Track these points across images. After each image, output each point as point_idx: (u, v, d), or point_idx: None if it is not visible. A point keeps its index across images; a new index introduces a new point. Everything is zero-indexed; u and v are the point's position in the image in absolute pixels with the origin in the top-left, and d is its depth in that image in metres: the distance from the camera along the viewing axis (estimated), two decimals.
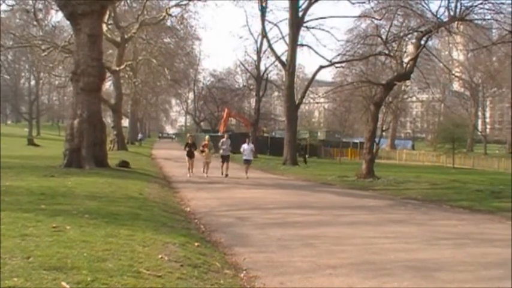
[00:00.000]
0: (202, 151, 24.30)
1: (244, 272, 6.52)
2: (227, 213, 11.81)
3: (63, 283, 4.70)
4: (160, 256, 6.33)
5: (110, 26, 39.67)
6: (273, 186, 19.98)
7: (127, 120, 66.71)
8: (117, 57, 41.42)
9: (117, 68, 40.91)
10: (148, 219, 9.15)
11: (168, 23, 46.09)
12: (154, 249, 6.67)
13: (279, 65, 40.70)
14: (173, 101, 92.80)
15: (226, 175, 23.23)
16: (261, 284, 6.02)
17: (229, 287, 5.72)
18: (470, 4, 23.55)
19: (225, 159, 24.17)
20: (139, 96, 60.20)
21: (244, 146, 25.07)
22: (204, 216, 11.27)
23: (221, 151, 24.54)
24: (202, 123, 77.81)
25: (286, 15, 35.68)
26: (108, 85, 54.47)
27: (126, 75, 48.53)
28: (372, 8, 29.84)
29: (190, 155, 23.78)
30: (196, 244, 7.54)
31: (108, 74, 36.08)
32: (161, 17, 41.15)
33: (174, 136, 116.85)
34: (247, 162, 24.65)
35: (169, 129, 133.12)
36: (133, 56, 48.19)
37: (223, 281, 5.84)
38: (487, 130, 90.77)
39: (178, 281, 5.47)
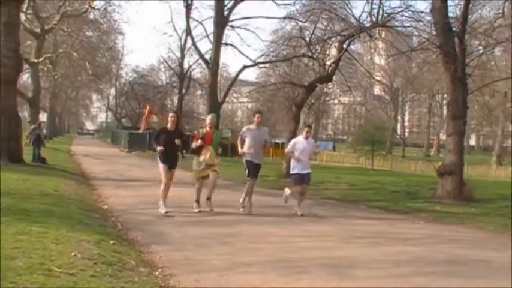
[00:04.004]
0: (196, 150, 12.19)
1: (159, 269, 6.45)
2: (145, 211, 11.64)
3: None
4: (73, 254, 6.16)
5: (29, 16, 38.28)
6: (193, 184, 19.82)
7: (45, 115, 64.67)
8: (35, 49, 40.05)
9: (36, 60, 39.58)
10: (63, 216, 8.90)
11: (91, 16, 45.01)
12: (68, 247, 6.49)
13: (203, 63, 40.49)
14: (94, 97, 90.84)
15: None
16: (176, 281, 5.96)
17: (143, 285, 5.63)
18: (391, 11, 24.24)
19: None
20: (58, 91, 58.60)
21: (299, 141, 12.98)
22: (122, 214, 11.07)
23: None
24: (123, 120, 76.54)
25: (212, 13, 35.58)
26: (25, 78, 52.71)
27: (45, 68, 47.10)
28: (297, 10, 30.18)
29: (170, 161, 11.89)
30: (111, 242, 7.39)
31: (25, 66, 34.86)
32: (83, 9, 40.12)
33: (93, 132, 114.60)
34: (302, 180, 12.62)
35: (90, 126, 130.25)
36: (53, 49, 46.75)
37: (137, 279, 5.75)
38: (406, 133, 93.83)
39: (91, 279, 5.34)
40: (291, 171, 12.92)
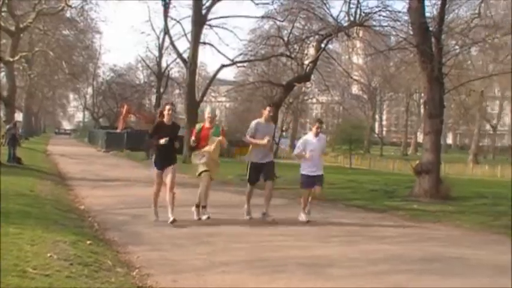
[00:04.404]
0: (195, 147, 10.77)
1: (137, 270, 6.40)
2: (123, 211, 11.58)
3: None
4: (49, 255, 6.10)
5: (3, 14, 37.72)
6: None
7: (21, 114, 63.93)
8: (11, 48, 39.46)
9: (11, 59, 38.96)
10: (39, 217, 8.82)
11: (67, 14, 44.48)
12: (43, 248, 6.43)
13: (181, 62, 40.33)
14: (71, 96, 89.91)
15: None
16: (153, 281, 5.93)
17: (121, 285, 5.59)
18: (369, 11, 24.36)
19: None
20: (34, 90, 57.91)
21: (309, 139, 11.93)
22: (99, 214, 10.99)
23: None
24: (100, 120, 75.99)
25: (190, 12, 35.45)
26: (0, 76, 52.03)
27: (21, 67, 46.43)
28: (275, 9, 30.18)
29: (166, 160, 10.50)
30: (88, 242, 7.34)
31: (0, 65, 34.41)
32: (60, 8, 39.62)
33: (70, 132, 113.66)
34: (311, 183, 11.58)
35: (67, 125, 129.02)
36: (29, 47, 46.14)
37: (114, 279, 5.71)
38: (384, 132, 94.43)
39: (67, 280, 5.30)
40: (301, 172, 11.75)
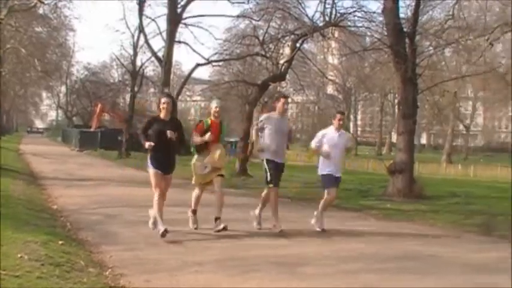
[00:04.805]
0: (199, 149, 9.49)
1: (109, 269, 6.34)
2: (96, 211, 11.46)
3: None
4: (19, 255, 6.01)
5: None
6: (145, 183, 19.64)
7: None
8: None
9: None
10: (10, 217, 8.67)
11: (41, 11, 43.92)
12: (14, 248, 6.33)
13: (156, 61, 40.06)
14: (44, 94, 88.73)
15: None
16: (126, 281, 5.87)
17: (93, 285, 5.52)
18: (344, 11, 24.50)
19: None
20: (6, 88, 57.07)
21: (328, 133, 10.42)
22: (72, 213, 10.86)
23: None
24: (74, 118, 75.24)
25: (165, 10, 35.21)
26: None
27: None
28: (251, 8, 30.16)
29: (164, 163, 8.89)
30: (60, 242, 7.25)
31: None
32: (32, 4, 39.08)
33: (43, 131, 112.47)
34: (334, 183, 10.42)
35: (40, 124, 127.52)
36: (0, 44, 45.51)
37: (86, 279, 5.65)
38: (358, 132, 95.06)
39: (38, 281, 5.23)
40: (320, 172, 10.32)
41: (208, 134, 9.20)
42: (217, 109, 9.62)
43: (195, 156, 9.49)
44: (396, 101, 22.45)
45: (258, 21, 29.00)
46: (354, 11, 24.23)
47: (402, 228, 11.07)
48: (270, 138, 9.75)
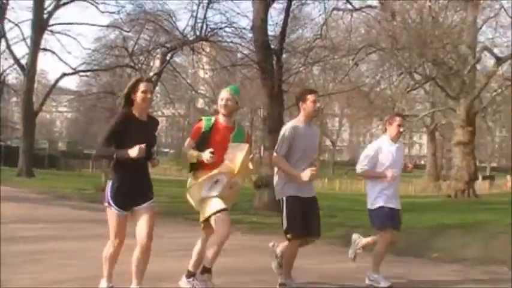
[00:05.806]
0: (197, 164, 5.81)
1: None
2: None
3: None
4: None
5: None
6: (4, 199, 18.56)
7: None
8: None
9: None
10: None
11: None
12: None
13: (19, 69, 38.26)
14: None
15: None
16: None
17: None
18: (214, 27, 24.79)
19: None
20: None
21: (384, 146, 6.90)
22: None
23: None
24: None
25: (30, 15, 33.79)
26: None
27: None
28: (121, 19, 29.79)
29: (128, 196, 5.57)
30: None
31: None
32: None
33: None
34: (394, 220, 6.87)
35: None
36: None
37: None
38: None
39: None
40: (370, 207, 6.97)
41: (208, 151, 5.57)
42: (228, 100, 5.98)
43: (192, 175, 6.12)
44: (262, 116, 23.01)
45: (128, 32, 28.67)
46: (225, 27, 24.64)
47: (265, 242, 11.22)
48: (296, 158, 6.54)
